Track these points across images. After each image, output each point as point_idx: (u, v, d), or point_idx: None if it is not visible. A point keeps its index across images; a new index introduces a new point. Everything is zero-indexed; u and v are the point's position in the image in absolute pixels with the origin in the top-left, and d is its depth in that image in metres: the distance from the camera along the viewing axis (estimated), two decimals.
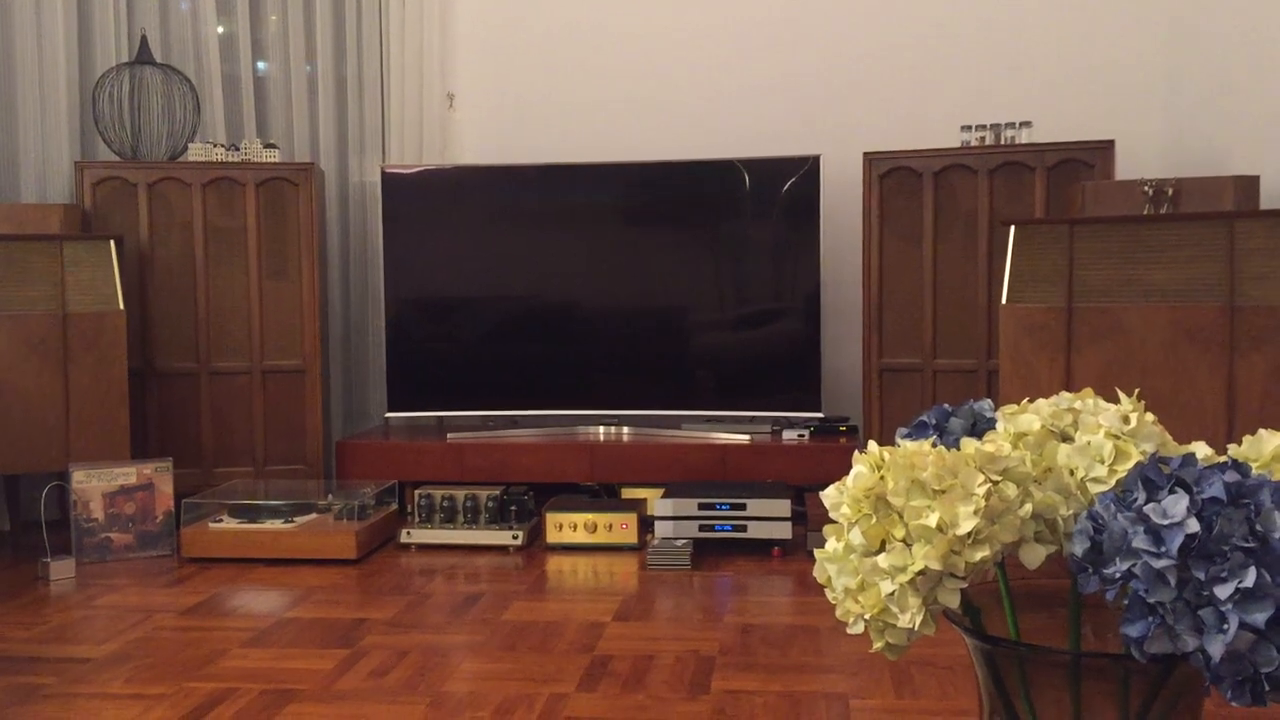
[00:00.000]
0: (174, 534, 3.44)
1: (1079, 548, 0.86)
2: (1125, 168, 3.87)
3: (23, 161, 3.97)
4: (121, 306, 3.53)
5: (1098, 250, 3.01)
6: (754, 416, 3.96)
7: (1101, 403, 0.95)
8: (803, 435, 3.85)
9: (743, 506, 3.34)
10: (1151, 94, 4.04)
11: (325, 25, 4.36)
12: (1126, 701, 0.90)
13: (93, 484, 3.37)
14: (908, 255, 3.77)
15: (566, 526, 3.43)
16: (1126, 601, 0.82)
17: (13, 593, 3.04)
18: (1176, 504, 0.80)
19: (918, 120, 4.15)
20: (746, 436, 3.83)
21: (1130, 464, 0.89)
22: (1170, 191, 3.15)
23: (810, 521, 3.39)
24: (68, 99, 4.01)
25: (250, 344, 3.93)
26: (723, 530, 3.35)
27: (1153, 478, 0.83)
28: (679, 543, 3.26)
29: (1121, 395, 0.95)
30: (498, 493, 3.53)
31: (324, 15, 4.36)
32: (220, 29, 4.32)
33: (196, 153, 3.91)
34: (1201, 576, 0.79)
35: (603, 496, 3.88)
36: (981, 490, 0.86)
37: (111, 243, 3.54)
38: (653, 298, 3.99)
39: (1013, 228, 3.11)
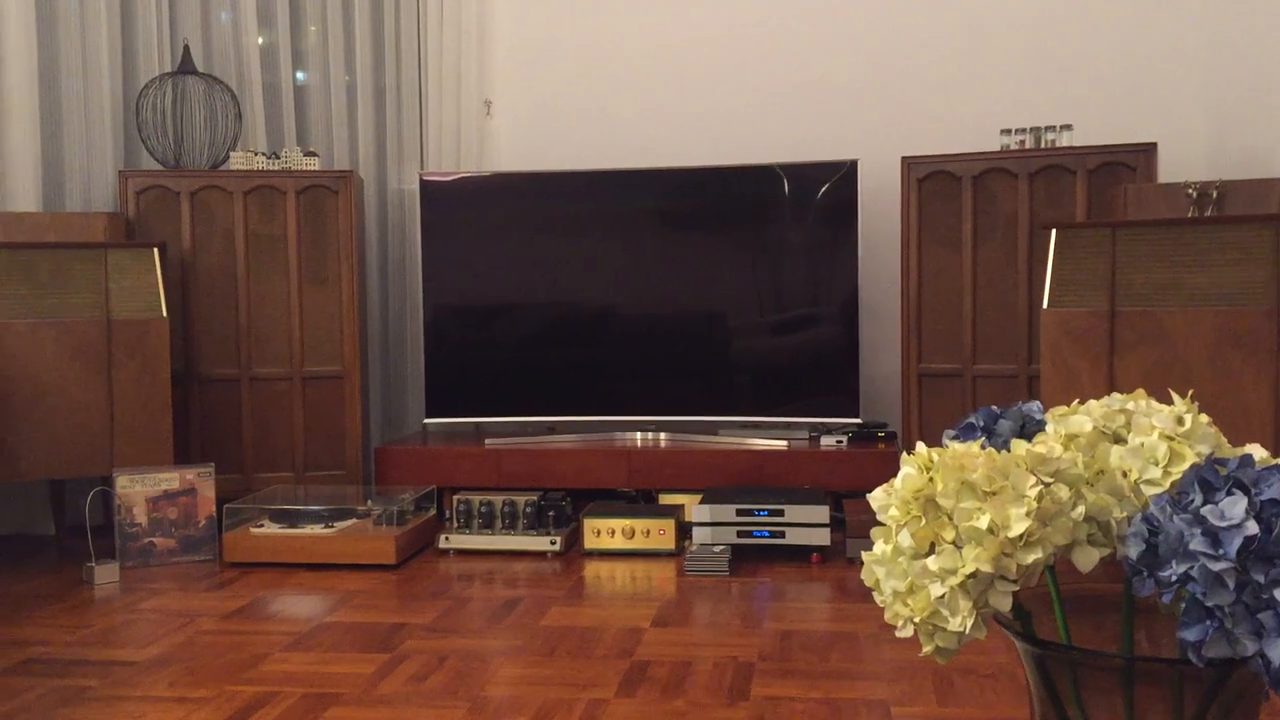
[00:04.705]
0: (216, 539, 3.47)
1: (1134, 550, 0.85)
2: (1168, 171, 3.82)
3: (68, 170, 4.02)
4: (164, 313, 3.57)
5: (1141, 254, 2.97)
6: (792, 422, 3.94)
7: (1154, 404, 0.94)
8: (841, 441, 3.83)
9: (781, 512, 3.33)
10: (1194, 96, 3.99)
11: (364, 35, 4.40)
12: (1181, 707, 0.89)
13: (136, 489, 3.41)
14: (947, 259, 3.74)
15: (604, 532, 3.43)
16: (1183, 605, 0.81)
17: (58, 596, 3.08)
18: (1235, 505, 0.79)
19: (956, 124, 4.13)
20: (784, 442, 3.81)
21: (1185, 465, 0.88)
22: (1214, 194, 3.11)
23: (849, 527, 3.37)
24: (112, 109, 4.06)
25: (290, 350, 3.96)
26: (761, 536, 3.34)
27: (1210, 479, 0.81)
28: (717, 549, 3.25)
29: (1175, 396, 0.94)
30: (535, 498, 3.54)
31: (363, 25, 4.40)
32: (261, 39, 4.37)
33: (238, 161, 3.95)
34: (1261, 579, 0.77)
35: (640, 502, 3.87)
36: (1033, 492, 0.85)
37: (155, 250, 3.58)
38: (690, 303, 3.99)
39: (1054, 231, 3.08)
